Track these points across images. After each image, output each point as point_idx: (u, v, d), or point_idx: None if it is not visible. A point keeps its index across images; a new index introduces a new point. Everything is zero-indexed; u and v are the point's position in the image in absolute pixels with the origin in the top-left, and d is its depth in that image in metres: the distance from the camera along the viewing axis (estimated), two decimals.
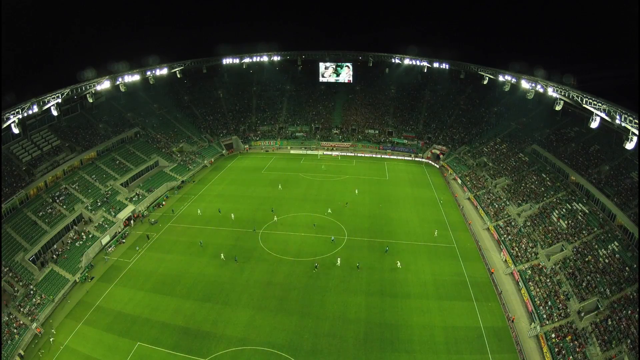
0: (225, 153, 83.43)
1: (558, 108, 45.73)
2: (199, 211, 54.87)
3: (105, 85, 55.17)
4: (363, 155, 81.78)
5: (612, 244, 36.32)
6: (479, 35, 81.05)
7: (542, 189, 50.67)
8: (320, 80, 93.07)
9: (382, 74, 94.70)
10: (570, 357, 28.57)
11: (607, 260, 35.05)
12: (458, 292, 37.76)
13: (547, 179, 51.91)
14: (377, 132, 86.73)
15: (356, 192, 60.69)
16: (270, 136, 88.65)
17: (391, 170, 72.86)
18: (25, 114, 42.14)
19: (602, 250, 36.43)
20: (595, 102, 37.16)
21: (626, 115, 32.55)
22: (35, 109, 43.18)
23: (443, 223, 51.60)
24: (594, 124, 38.44)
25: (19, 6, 56.96)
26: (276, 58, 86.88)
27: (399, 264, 41.25)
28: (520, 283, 38.46)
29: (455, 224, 51.46)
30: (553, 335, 30.96)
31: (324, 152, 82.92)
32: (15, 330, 33.21)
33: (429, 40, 76.77)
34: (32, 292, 37.90)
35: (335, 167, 73.97)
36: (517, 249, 43.01)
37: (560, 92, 43.58)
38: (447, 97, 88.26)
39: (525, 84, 51.16)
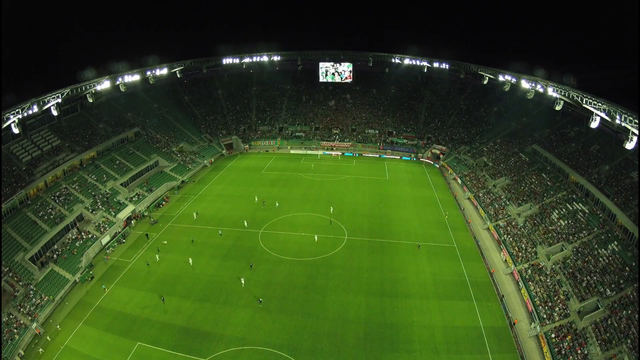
0: (225, 153, 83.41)
1: (558, 108, 45.74)
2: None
3: (105, 85, 55.15)
4: (363, 155, 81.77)
5: (612, 244, 36.31)
6: (480, 35, 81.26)
7: (542, 189, 50.65)
8: (320, 80, 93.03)
9: (382, 74, 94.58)
10: (570, 357, 28.58)
11: (607, 260, 35.04)
12: (458, 291, 37.75)
13: (547, 179, 51.89)
14: (377, 132, 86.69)
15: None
16: (270, 136, 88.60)
17: (391, 170, 72.83)
18: (25, 114, 42.19)
19: (602, 250, 36.42)
20: (595, 102, 37.17)
21: (626, 115, 32.59)
22: (35, 109, 43.21)
23: (443, 223, 51.64)
24: (594, 124, 38.46)
25: (19, 6, 57.01)
26: (276, 58, 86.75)
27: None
28: (520, 283, 38.44)
29: (455, 224, 51.45)
30: (553, 335, 30.96)
31: (324, 152, 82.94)
32: (15, 330, 33.22)
33: (429, 40, 76.94)
34: (32, 292, 37.89)
35: (335, 167, 73.93)
36: (517, 249, 43.00)
37: (560, 92, 43.57)
38: (447, 97, 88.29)
39: (525, 84, 51.15)
